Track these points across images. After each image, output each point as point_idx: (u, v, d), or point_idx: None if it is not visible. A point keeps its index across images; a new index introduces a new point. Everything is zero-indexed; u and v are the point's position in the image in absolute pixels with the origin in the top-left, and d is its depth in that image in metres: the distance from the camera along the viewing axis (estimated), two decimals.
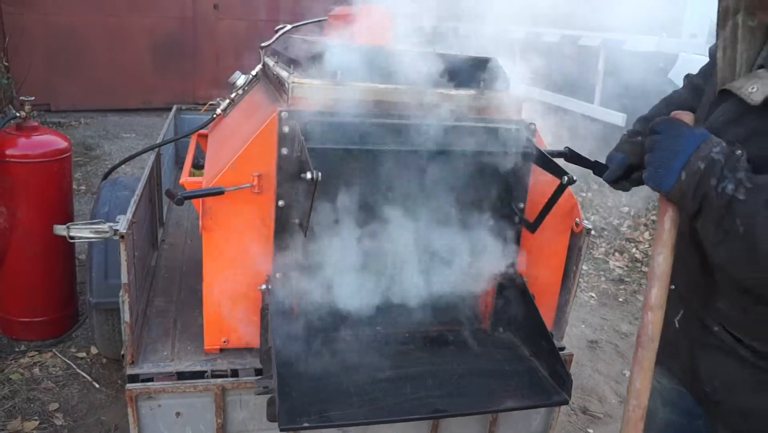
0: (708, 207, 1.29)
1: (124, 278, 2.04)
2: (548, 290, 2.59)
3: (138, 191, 2.42)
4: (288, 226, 2.13)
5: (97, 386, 3.20)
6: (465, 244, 2.37)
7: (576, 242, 2.53)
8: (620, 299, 4.85)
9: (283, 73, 2.30)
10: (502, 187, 2.33)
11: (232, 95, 3.05)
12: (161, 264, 3.04)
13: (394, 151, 2.11)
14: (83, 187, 5.93)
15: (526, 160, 2.27)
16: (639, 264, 5.46)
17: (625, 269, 5.38)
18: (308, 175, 1.99)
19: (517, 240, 2.43)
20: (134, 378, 2.14)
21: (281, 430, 1.89)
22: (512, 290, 2.48)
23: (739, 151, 1.30)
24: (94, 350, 3.43)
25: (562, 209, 2.48)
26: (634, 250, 5.72)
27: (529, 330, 2.44)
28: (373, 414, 1.95)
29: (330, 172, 2.05)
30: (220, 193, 2.01)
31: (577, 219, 2.50)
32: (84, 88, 8.55)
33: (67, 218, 3.34)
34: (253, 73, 3.06)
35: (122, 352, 2.24)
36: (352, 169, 2.08)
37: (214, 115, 3.05)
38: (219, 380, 2.15)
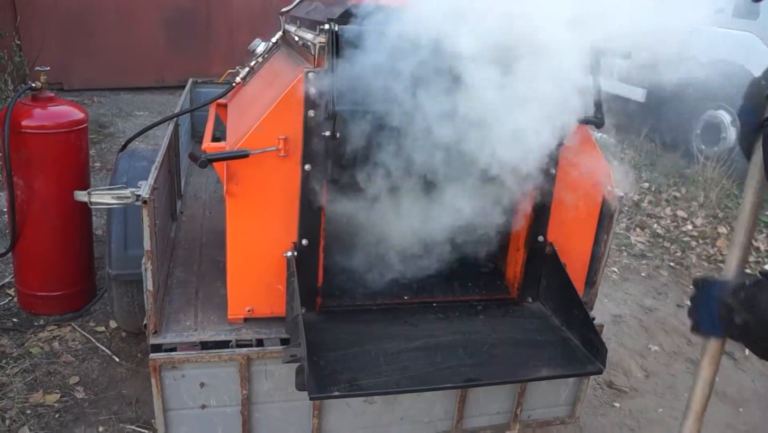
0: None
1: (146, 245, 1.99)
2: (579, 259, 2.51)
3: (159, 158, 2.36)
4: (314, 191, 2.06)
5: (117, 359, 3.17)
6: (495, 212, 2.29)
7: (607, 209, 2.45)
8: (642, 274, 4.77)
9: (308, 35, 2.22)
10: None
11: (252, 63, 2.97)
12: (180, 236, 2.99)
13: (422, 114, 2.03)
14: (98, 164, 5.88)
15: None
16: (661, 239, 5.37)
17: (647, 244, 5.29)
18: (327, 133, 1.94)
19: (548, 207, 2.35)
20: (157, 348, 2.10)
21: (311, 399, 1.85)
22: (542, 259, 2.41)
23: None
24: (113, 324, 3.40)
25: (594, 176, 2.40)
26: (655, 225, 5.62)
27: (559, 300, 2.37)
28: (404, 383, 1.90)
29: (359, 135, 1.98)
30: (245, 156, 1.94)
31: (609, 186, 2.42)
32: (96, 67, 8.46)
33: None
34: (274, 40, 2.98)
35: (144, 322, 2.19)
36: (381, 132, 2.00)
37: (233, 84, 2.98)
38: (244, 350, 2.11)
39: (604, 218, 2.46)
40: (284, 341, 2.20)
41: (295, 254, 2.11)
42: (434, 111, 2.00)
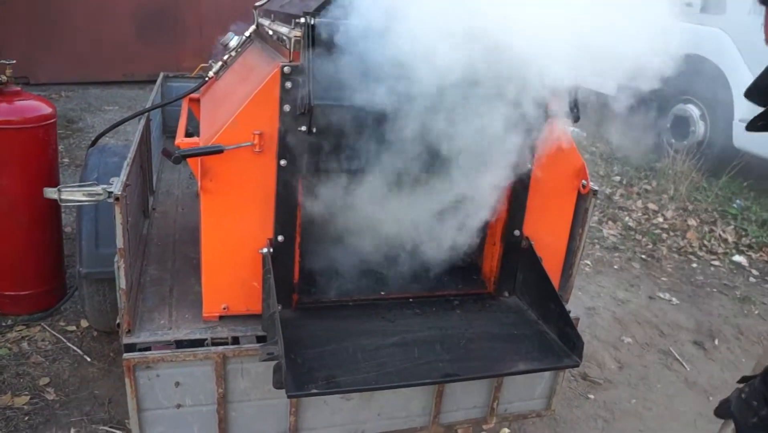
0: None
1: (119, 243, 1.95)
2: (554, 253, 2.53)
3: (131, 154, 2.31)
4: (290, 187, 2.04)
5: (88, 359, 3.11)
6: (470, 206, 2.30)
7: (582, 203, 2.47)
8: (615, 267, 4.83)
9: (283, 29, 2.19)
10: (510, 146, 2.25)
11: (225, 57, 2.93)
12: (153, 233, 2.94)
13: (398, 108, 2.02)
14: (66, 160, 5.76)
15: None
16: (633, 232, 5.44)
17: (619, 236, 5.36)
18: (303, 128, 1.92)
19: (524, 202, 2.36)
20: (131, 347, 2.06)
21: (289, 397, 1.83)
22: (519, 253, 2.42)
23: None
24: (84, 324, 3.33)
25: (569, 170, 2.42)
26: (627, 218, 5.70)
27: (536, 293, 2.39)
28: (382, 379, 1.89)
29: (335, 130, 1.97)
30: (219, 151, 1.91)
31: (584, 181, 2.44)
32: (64, 61, 8.27)
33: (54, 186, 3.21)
34: (247, 34, 2.94)
35: (117, 321, 2.15)
36: (357, 126, 1.99)
37: (206, 78, 2.94)
38: (220, 348, 2.08)
39: (579, 211, 2.48)
40: (260, 339, 2.18)
41: (271, 250, 2.09)
42: (411, 105, 2.00)
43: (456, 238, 2.39)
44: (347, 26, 1.90)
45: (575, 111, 2.21)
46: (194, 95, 3.04)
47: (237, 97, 2.13)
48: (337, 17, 1.92)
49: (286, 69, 1.90)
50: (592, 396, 3.33)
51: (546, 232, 2.46)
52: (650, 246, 5.24)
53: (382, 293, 2.38)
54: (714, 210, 5.99)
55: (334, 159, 2.03)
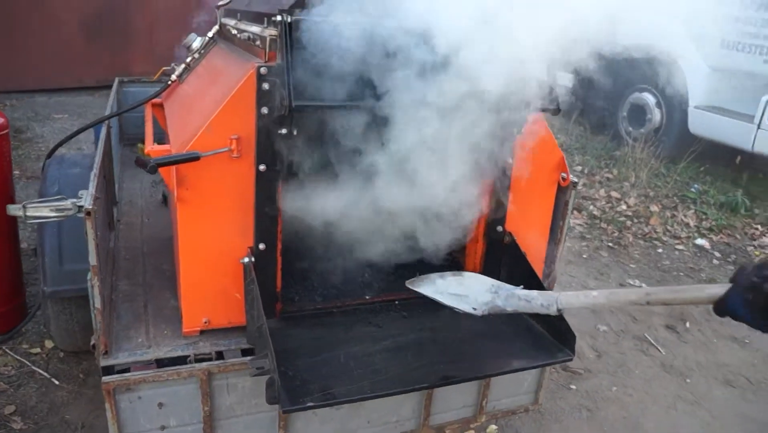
0: None
1: (92, 260, 1.84)
2: (536, 247, 2.52)
3: (96, 164, 2.20)
4: (270, 192, 1.96)
5: (56, 382, 2.95)
6: (454, 202, 2.25)
7: (562, 196, 2.46)
8: (584, 256, 4.88)
9: (254, 29, 2.10)
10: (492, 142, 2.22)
11: (188, 59, 2.82)
12: (120, 245, 2.81)
13: (382, 105, 1.96)
14: (17, 172, 5.50)
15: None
16: (598, 220, 5.51)
17: (585, 226, 5.42)
18: (284, 131, 1.84)
19: (506, 197, 2.33)
20: (109, 370, 1.95)
21: (284, 412, 1.76)
22: (502, 249, 2.40)
23: None
24: (49, 344, 3.17)
25: (550, 163, 2.41)
26: (591, 207, 5.77)
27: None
28: (378, 387, 1.83)
29: (317, 131, 1.90)
30: (196, 158, 1.82)
31: (564, 173, 2.43)
32: (7, 68, 7.91)
33: (9, 201, 3.04)
34: (210, 34, 2.83)
35: (92, 342, 2.03)
36: (340, 127, 1.92)
37: (169, 82, 2.82)
38: (204, 364, 1.98)
39: (560, 204, 2.47)
40: (245, 352, 2.10)
41: (253, 259, 2.00)
42: (390, 102, 1.94)
43: (440, 236, 2.35)
44: (325, 23, 1.83)
45: (556, 104, 2.19)
46: (157, 100, 2.91)
47: (209, 101, 2.03)
48: (314, 14, 1.85)
49: (262, 70, 1.82)
50: (573, 386, 3.33)
51: (527, 226, 2.44)
52: (616, 234, 5.31)
53: (367, 297, 2.32)
54: (674, 195, 6.11)
55: (316, 161, 1.96)
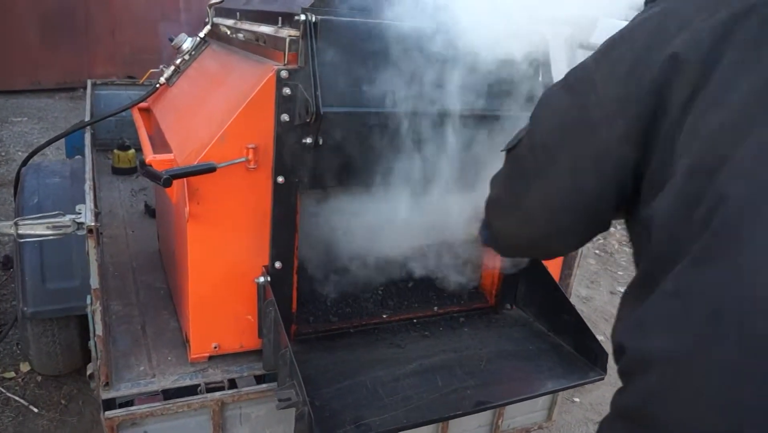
0: None
1: (94, 282, 1.65)
2: (552, 260, 2.43)
3: (89, 174, 2.01)
4: (288, 206, 1.80)
5: (35, 410, 2.71)
6: (470, 217, 2.14)
7: None
8: None
9: (265, 29, 1.95)
10: None
11: (178, 61, 2.63)
12: (107, 261, 2.60)
13: (405, 114, 1.83)
14: None
15: None
16: None
17: None
18: (308, 140, 1.70)
19: None
20: (111, 403, 1.76)
21: None
22: (521, 262, 2.29)
23: None
24: (25, 368, 2.92)
25: None
26: None
27: (543, 304, 2.26)
28: (413, 416, 1.69)
29: (343, 141, 1.75)
30: (212, 170, 1.65)
31: None
32: None
33: None
34: (201, 35, 2.66)
35: (90, 372, 1.85)
36: (367, 135, 1.78)
37: (157, 85, 2.63)
38: (217, 394, 1.82)
39: None
40: (259, 378, 1.94)
41: (269, 279, 1.84)
42: (415, 109, 1.82)
43: (460, 252, 2.23)
44: (353, 22, 1.69)
45: None
46: (143, 104, 2.71)
47: (218, 108, 1.87)
48: (339, 13, 1.71)
49: (283, 73, 1.66)
50: (577, 399, 3.26)
51: None
52: (601, 240, 5.29)
53: (384, 316, 2.18)
54: None
55: (341, 173, 1.82)
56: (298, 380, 1.60)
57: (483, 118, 1.88)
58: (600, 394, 3.32)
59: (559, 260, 2.48)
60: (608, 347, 3.50)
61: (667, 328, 0.85)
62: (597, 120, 1.01)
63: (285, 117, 1.70)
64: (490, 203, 1.35)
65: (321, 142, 1.71)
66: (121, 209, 3.30)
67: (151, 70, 2.88)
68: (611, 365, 1.59)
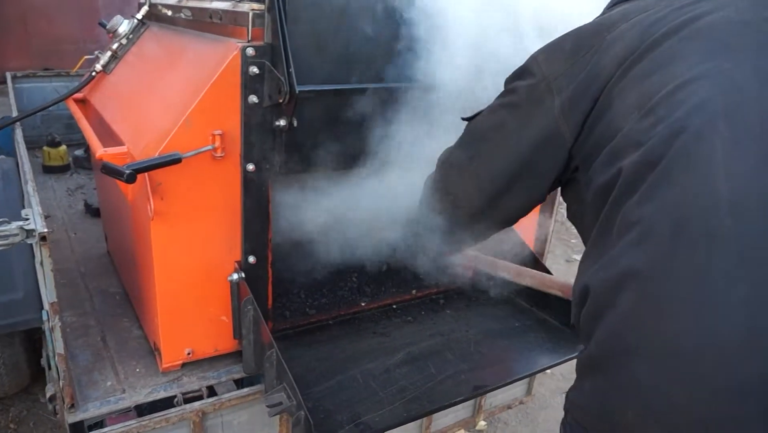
0: None
1: (50, 296, 1.48)
2: (525, 233, 2.39)
3: (28, 174, 1.80)
4: (260, 195, 1.67)
5: None
6: None
7: None
8: None
9: (219, 5, 1.78)
10: None
11: (114, 46, 2.42)
12: None
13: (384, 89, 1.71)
14: None
15: None
16: None
17: None
18: (281, 122, 1.56)
19: None
20: (79, 427, 1.60)
21: None
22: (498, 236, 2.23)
23: None
24: None
25: None
26: None
27: None
28: (413, 408, 1.61)
29: (318, 121, 1.63)
30: (178, 161, 1.50)
31: None
32: None
33: None
34: (139, 16, 2.44)
35: (50, 394, 1.67)
36: (342, 115, 1.66)
37: (93, 74, 2.41)
38: (197, 404, 1.68)
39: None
40: (237, 382, 1.81)
41: (243, 275, 1.71)
42: (395, 85, 1.71)
43: (434, 233, 2.15)
44: None
45: None
46: (78, 95, 2.48)
47: (175, 93, 1.70)
48: None
49: (249, 51, 1.52)
50: (549, 371, 3.26)
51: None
52: None
53: (363, 304, 2.08)
54: None
55: (316, 157, 1.69)
56: (290, 382, 1.48)
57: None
58: (570, 365, 3.33)
59: (532, 232, 2.44)
60: None
61: (636, 249, 0.91)
62: (540, 95, 1.14)
63: (253, 99, 1.56)
64: (444, 165, 1.41)
65: (296, 124, 1.58)
66: (59, 210, 3.05)
67: (85, 57, 2.64)
68: None
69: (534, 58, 1.20)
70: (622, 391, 0.94)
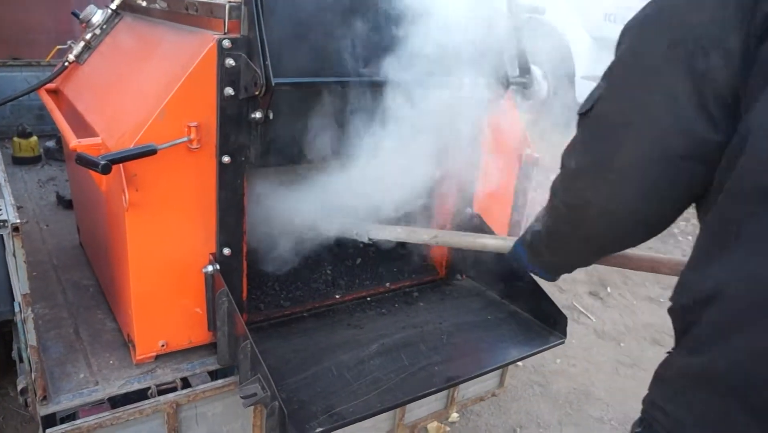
0: None
1: (22, 288, 1.47)
2: (500, 226, 2.42)
3: (1, 167, 1.78)
4: (235, 187, 1.67)
5: None
6: (421, 188, 2.09)
7: (526, 171, 2.36)
8: None
9: None
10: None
11: (88, 36, 2.39)
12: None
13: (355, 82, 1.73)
14: None
15: None
16: None
17: None
18: (257, 115, 1.57)
19: (476, 176, 2.20)
20: (52, 419, 1.59)
21: None
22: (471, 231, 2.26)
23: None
24: None
25: (513, 140, 2.31)
26: None
27: (496, 273, 2.24)
28: (386, 398, 1.63)
29: (294, 114, 1.64)
30: (153, 152, 1.50)
31: (528, 149, 2.34)
32: None
33: None
34: (113, 6, 2.42)
35: (21, 386, 1.66)
36: (316, 106, 1.67)
37: (66, 64, 2.38)
38: (170, 396, 1.68)
39: (522, 180, 2.38)
40: (212, 374, 1.81)
41: (217, 267, 1.71)
42: (373, 78, 1.72)
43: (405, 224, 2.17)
44: None
45: (527, 77, 2.08)
46: (51, 85, 2.45)
47: (151, 84, 1.69)
48: None
49: (225, 43, 1.52)
50: (520, 363, 3.31)
51: (493, 205, 2.33)
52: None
53: (337, 296, 2.10)
54: None
55: (291, 150, 1.70)
56: (264, 373, 1.49)
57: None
58: (540, 357, 3.39)
59: (506, 226, 2.47)
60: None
61: None
62: (692, 49, 0.96)
63: (229, 91, 1.56)
64: (568, 179, 1.23)
65: (271, 116, 1.59)
66: (30, 202, 3.01)
67: (58, 47, 2.60)
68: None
69: (668, 9, 1.03)
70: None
